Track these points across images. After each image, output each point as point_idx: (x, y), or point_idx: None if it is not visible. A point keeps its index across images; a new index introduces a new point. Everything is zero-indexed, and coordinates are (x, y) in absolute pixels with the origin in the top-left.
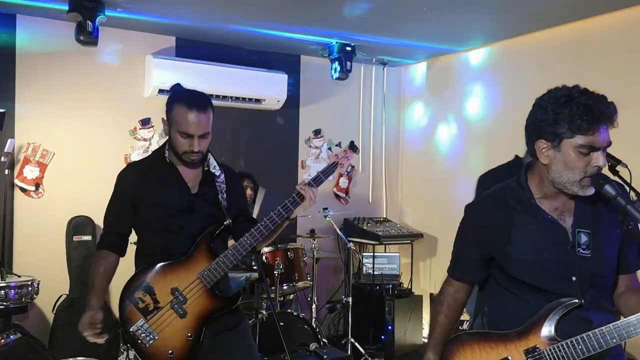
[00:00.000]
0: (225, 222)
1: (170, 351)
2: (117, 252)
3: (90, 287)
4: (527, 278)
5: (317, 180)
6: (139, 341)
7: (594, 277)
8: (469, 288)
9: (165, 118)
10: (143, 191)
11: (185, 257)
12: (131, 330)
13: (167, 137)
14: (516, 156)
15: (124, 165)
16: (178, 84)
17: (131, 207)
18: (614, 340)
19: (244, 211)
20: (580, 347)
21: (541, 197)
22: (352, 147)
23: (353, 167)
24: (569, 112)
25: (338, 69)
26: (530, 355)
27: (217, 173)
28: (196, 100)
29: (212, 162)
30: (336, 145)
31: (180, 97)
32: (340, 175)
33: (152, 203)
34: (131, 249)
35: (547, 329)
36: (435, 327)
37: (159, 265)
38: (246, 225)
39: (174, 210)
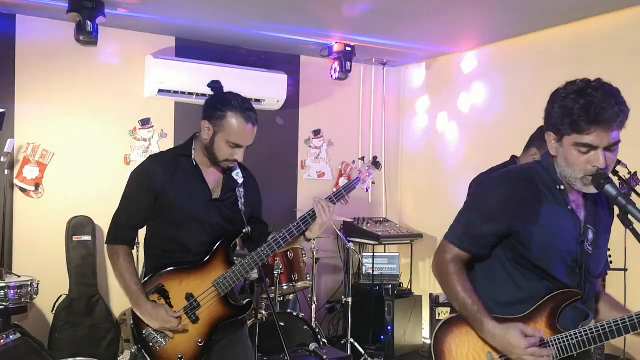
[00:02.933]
0: (244, 230)
1: (180, 355)
2: (132, 247)
3: (128, 289)
4: (541, 264)
5: (338, 196)
6: (150, 344)
7: (589, 274)
8: (467, 260)
9: (207, 121)
10: (168, 188)
11: (202, 263)
12: (143, 332)
13: (194, 138)
14: (513, 157)
15: (124, 166)
16: (217, 81)
17: (153, 201)
18: (613, 335)
19: (257, 213)
20: (581, 338)
21: (564, 186)
22: (375, 163)
23: (374, 183)
24: (570, 110)
25: (338, 69)
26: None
27: (240, 181)
28: (252, 111)
29: (236, 168)
30: (360, 159)
31: (235, 106)
32: (340, 175)
33: (174, 203)
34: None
35: (551, 319)
36: (463, 296)
37: (174, 269)
38: (258, 227)
39: (193, 214)
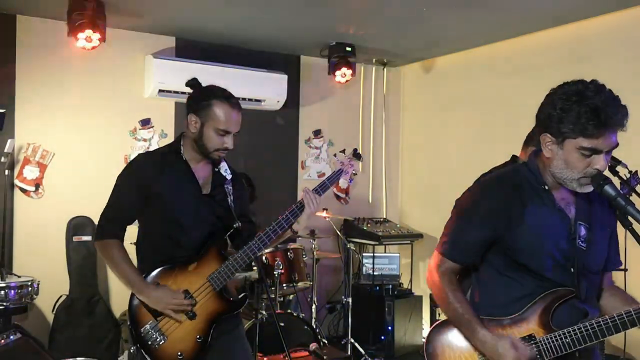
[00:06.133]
0: (235, 225)
1: (179, 353)
2: (122, 242)
3: (127, 277)
4: (531, 265)
5: (323, 187)
6: (149, 342)
7: (586, 271)
8: (459, 270)
9: (194, 114)
10: (157, 184)
11: (196, 259)
12: (141, 331)
13: (184, 134)
14: (513, 156)
15: (124, 165)
16: (195, 79)
17: (143, 197)
18: (610, 332)
19: (245, 212)
20: (576, 336)
21: (550, 187)
22: (356, 154)
23: (356, 174)
24: (577, 113)
25: (345, 74)
26: (526, 344)
27: (228, 177)
28: (234, 98)
29: (224, 164)
30: (340, 152)
31: (219, 95)
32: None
33: (164, 199)
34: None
35: (544, 318)
36: (455, 306)
37: (169, 266)
38: (246, 226)
39: (183, 209)
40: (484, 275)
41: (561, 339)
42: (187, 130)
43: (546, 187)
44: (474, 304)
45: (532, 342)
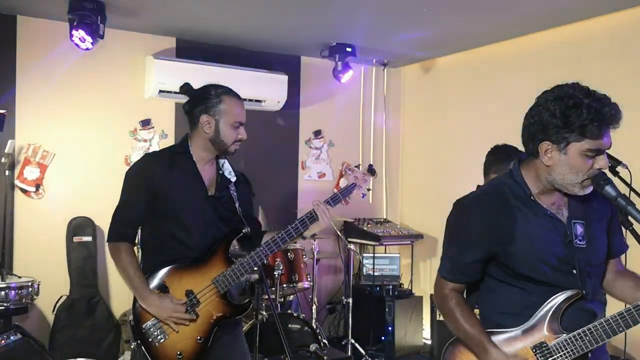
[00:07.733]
0: (243, 230)
1: (179, 352)
2: (133, 244)
3: (132, 283)
4: (531, 274)
5: (335, 200)
6: (150, 339)
7: (590, 267)
8: (464, 288)
9: (206, 115)
10: (165, 183)
11: (202, 260)
12: (143, 327)
13: (189, 135)
14: (478, 186)
15: (125, 166)
16: (187, 83)
17: (150, 198)
18: (620, 329)
19: (250, 212)
20: (587, 338)
21: (538, 193)
22: (371, 171)
23: (369, 189)
24: (578, 116)
25: (338, 69)
26: (538, 351)
27: (233, 179)
28: (234, 90)
29: (228, 166)
30: (355, 166)
31: (225, 90)
32: (341, 175)
33: (170, 198)
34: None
35: (553, 323)
36: (465, 327)
37: (174, 266)
38: (252, 226)
39: (189, 209)
40: (488, 287)
41: (571, 342)
42: (199, 131)
43: (532, 197)
44: (482, 316)
45: (545, 348)
